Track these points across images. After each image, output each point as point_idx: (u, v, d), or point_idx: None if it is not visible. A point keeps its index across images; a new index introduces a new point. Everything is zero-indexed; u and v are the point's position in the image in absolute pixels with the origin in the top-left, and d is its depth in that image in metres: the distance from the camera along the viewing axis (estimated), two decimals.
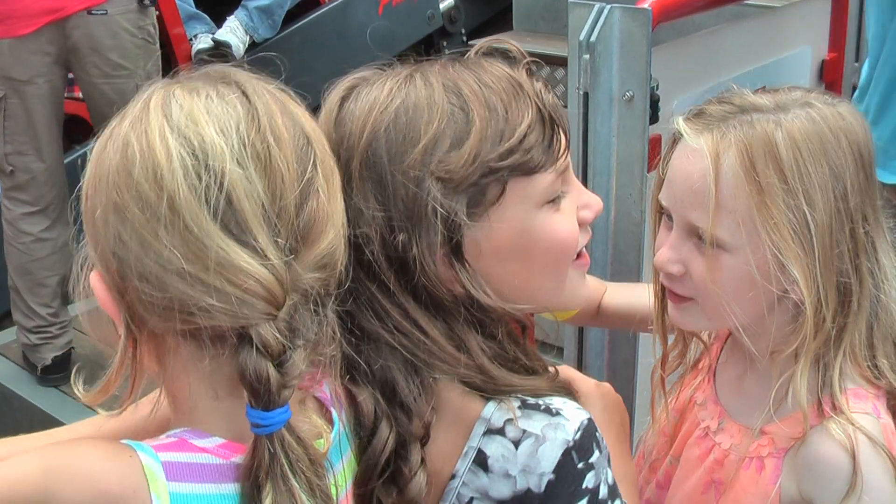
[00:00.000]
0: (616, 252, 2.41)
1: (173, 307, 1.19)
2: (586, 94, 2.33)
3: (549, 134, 1.45)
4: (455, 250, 1.43)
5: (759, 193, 1.57)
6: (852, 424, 1.61)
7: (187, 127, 1.19)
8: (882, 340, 1.69)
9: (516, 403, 1.42)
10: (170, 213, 1.17)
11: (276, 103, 1.27)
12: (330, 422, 1.37)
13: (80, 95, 4.75)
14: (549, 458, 1.38)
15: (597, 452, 1.42)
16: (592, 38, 2.29)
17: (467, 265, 1.43)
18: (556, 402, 1.45)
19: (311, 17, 6.88)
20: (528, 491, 1.38)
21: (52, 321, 4.54)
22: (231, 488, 1.24)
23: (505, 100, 1.44)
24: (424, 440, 1.42)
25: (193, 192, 1.17)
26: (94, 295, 1.27)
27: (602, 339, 2.52)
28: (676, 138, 1.70)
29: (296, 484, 1.23)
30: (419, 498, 1.40)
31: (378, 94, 1.45)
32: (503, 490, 1.39)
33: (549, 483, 1.38)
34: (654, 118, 2.38)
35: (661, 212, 1.75)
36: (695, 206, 1.64)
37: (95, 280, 1.26)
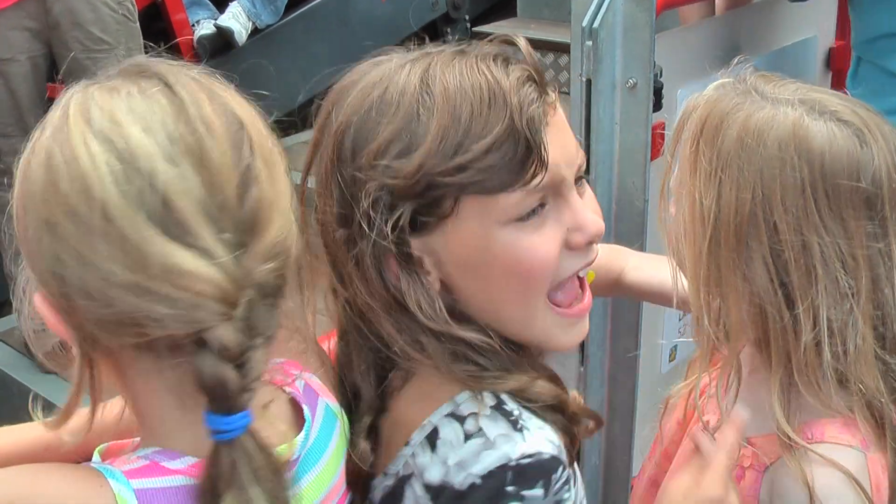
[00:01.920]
0: (619, 241, 2.38)
1: (123, 321, 1.12)
2: (589, 81, 2.31)
3: (521, 152, 1.30)
4: (401, 257, 1.34)
5: (691, 164, 1.54)
6: (822, 458, 1.50)
7: (110, 130, 1.12)
8: (859, 368, 1.52)
9: (490, 402, 1.35)
10: (104, 224, 1.09)
11: (203, 90, 1.19)
12: (301, 420, 1.33)
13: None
14: (484, 463, 1.31)
15: (539, 492, 1.30)
16: (595, 25, 2.26)
17: (411, 273, 1.35)
18: (533, 423, 1.35)
19: (314, 3, 6.84)
20: (452, 486, 1.32)
21: None
22: None
23: (474, 109, 1.30)
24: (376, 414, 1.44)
25: (126, 199, 1.09)
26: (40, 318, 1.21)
27: (604, 328, 2.50)
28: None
29: (258, 494, 1.16)
30: (363, 462, 1.41)
31: (369, 80, 1.37)
32: (434, 474, 1.34)
33: (471, 486, 1.31)
34: (657, 106, 2.36)
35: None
36: None
37: (40, 302, 1.18)
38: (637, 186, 2.36)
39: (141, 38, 4.62)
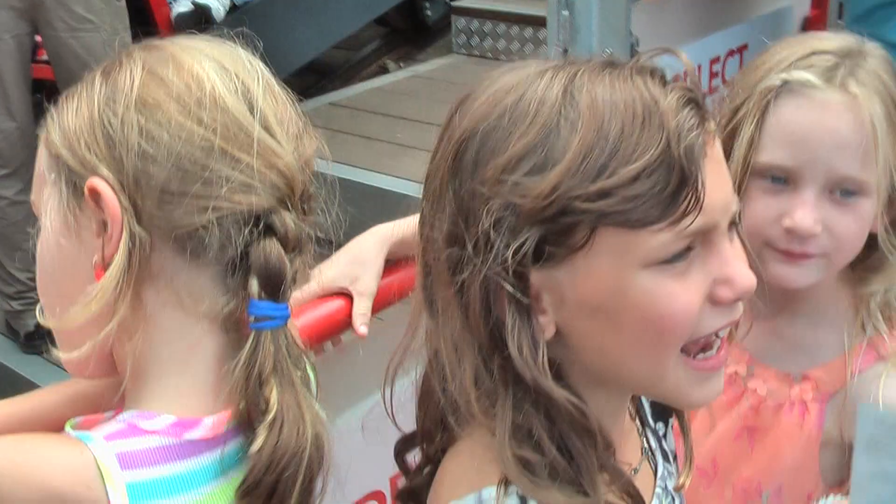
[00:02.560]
0: None
1: (192, 191, 1.21)
2: (565, 51, 2.31)
3: (674, 184, 1.11)
4: (515, 289, 1.16)
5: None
6: None
7: (205, 57, 1.27)
8: None
9: None
10: (210, 102, 1.22)
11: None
12: None
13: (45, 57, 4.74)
14: None
15: None
16: None
17: (521, 309, 1.17)
18: None
19: None
20: None
21: (33, 286, 4.51)
22: (187, 466, 1.22)
23: (625, 127, 1.12)
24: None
25: (229, 91, 1.24)
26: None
27: None
28: (770, 96, 1.67)
29: (298, 377, 1.26)
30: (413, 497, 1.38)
31: (502, 85, 1.20)
32: None
33: None
34: None
35: (761, 175, 1.69)
36: (844, 158, 1.63)
37: (101, 184, 1.21)
38: None
39: (127, 16, 4.63)
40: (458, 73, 7.66)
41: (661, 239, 1.13)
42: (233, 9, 6.30)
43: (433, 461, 1.34)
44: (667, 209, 1.12)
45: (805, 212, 1.65)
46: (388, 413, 1.38)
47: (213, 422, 1.24)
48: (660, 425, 1.48)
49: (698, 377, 1.23)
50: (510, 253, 1.13)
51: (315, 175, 1.32)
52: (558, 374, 1.20)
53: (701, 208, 1.13)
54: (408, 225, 1.88)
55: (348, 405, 1.83)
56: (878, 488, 1.45)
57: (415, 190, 4.89)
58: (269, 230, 1.24)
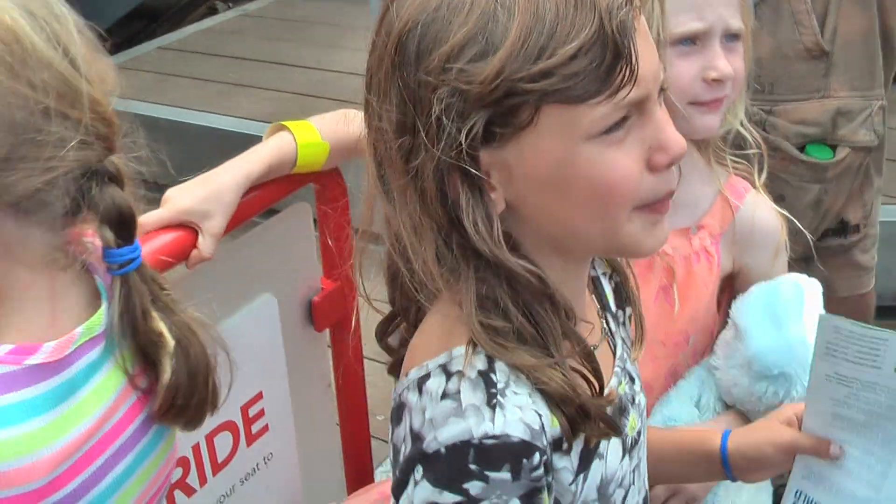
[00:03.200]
0: None
1: (33, 157, 1.20)
2: None
3: (609, 59, 1.17)
4: (465, 172, 1.22)
5: None
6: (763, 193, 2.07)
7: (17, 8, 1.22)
8: None
9: (480, 366, 1.25)
10: (35, 61, 1.20)
11: None
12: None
13: None
14: (449, 431, 1.23)
15: (506, 475, 1.22)
16: None
17: (473, 188, 1.23)
18: (515, 400, 1.24)
19: None
20: (422, 441, 1.25)
21: None
22: (29, 393, 1.22)
23: (560, 9, 1.17)
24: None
25: (50, 44, 1.21)
26: None
27: None
28: None
29: (170, 300, 1.32)
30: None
31: None
32: (415, 420, 1.27)
33: (436, 453, 1.24)
34: None
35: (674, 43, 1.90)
36: (732, 9, 1.93)
37: None
38: None
39: None
40: (288, 10, 7.61)
41: (600, 111, 1.19)
42: None
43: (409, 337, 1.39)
44: (604, 83, 1.18)
45: (723, 61, 1.92)
46: (365, 299, 1.43)
47: (53, 346, 1.24)
48: (620, 312, 1.55)
49: (648, 223, 1.30)
50: (463, 137, 1.19)
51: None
52: (514, 247, 1.27)
53: (635, 80, 1.19)
54: (269, 151, 1.92)
55: None
56: (832, 389, 1.59)
57: (250, 128, 4.91)
58: (107, 177, 1.25)
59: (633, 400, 1.48)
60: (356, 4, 7.56)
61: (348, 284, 2.22)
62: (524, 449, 1.23)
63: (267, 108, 5.76)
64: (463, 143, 1.19)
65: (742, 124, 2.05)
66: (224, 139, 5.42)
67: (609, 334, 1.48)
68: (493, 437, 1.22)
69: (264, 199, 1.93)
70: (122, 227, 1.26)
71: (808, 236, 2.26)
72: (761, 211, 2.08)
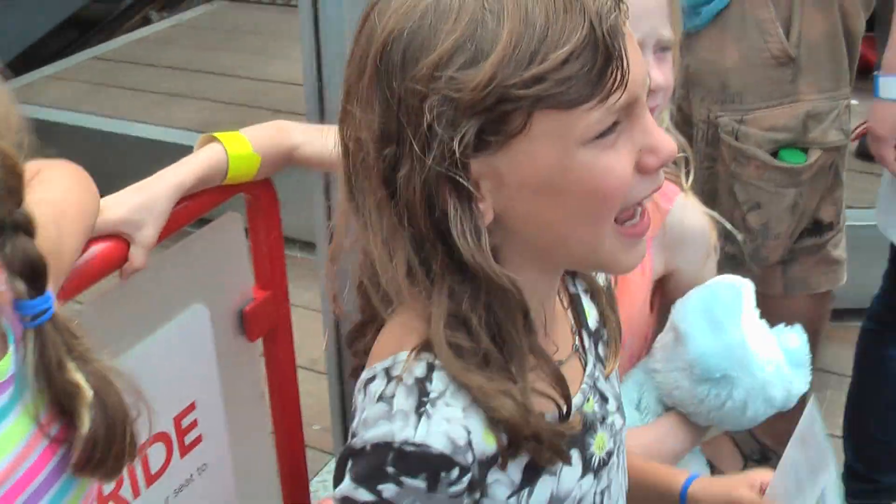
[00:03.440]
0: None
1: None
2: None
3: (600, 63, 1.17)
4: (454, 182, 1.20)
5: None
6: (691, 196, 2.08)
7: None
8: None
9: (418, 372, 1.26)
10: None
11: None
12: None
13: None
14: (376, 431, 1.24)
15: (420, 484, 1.23)
16: None
17: (469, 204, 1.22)
18: (444, 412, 1.24)
19: None
20: (354, 438, 1.28)
21: None
22: None
23: (550, 13, 1.16)
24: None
25: None
26: None
27: None
28: None
29: (76, 367, 1.26)
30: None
31: None
32: (356, 418, 1.30)
33: (362, 450, 1.25)
34: None
35: None
36: (663, 20, 1.90)
37: None
38: None
39: None
40: (222, 20, 7.59)
41: (593, 116, 1.18)
42: None
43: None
44: (595, 87, 1.17)
45: (656, 71, 1.90)
46: (334, 313, 1.46)
47: None
48: (604, 330, 1.54)
49: (627, 244, 1.30)
50: (455, 145, 1.17)
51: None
52: (497, 259, 1.25)
53: (626, 84, 1.19)
54: (200, 162, 1.92)
55: (124, 348, 1.82)
56: (797, 470, 1.69)
57: (184, 138, 4.90)
58: (14, 227, 1.20)
59: (604, 419, 1.47)
60: (288, 13, 7.58)
61: (280, 293, 2.23)
62: (443, 462, 1.23)
63: (201, 117, 5.73)
64: (456, 151, 1.17)
65: (667, 129, 2.04)
66: (158, 149, 5.38)
67: (581, 350, 1.47)
68: (414, 444, 1.22)
69: (196, 209, 1.92)
70: (34, 277, 1.22)
71: (739, 235, 2.41)
72: (691, 214, 2.10)
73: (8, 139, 1.20)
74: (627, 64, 1.19)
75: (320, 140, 2.10)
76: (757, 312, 1.99)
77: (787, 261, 3.04)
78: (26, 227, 1.20)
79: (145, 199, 1.82)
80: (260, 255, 2.17)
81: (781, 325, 2.01)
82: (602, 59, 1.17)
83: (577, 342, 1.47)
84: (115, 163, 5.61)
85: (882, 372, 3.15)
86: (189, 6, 8.14)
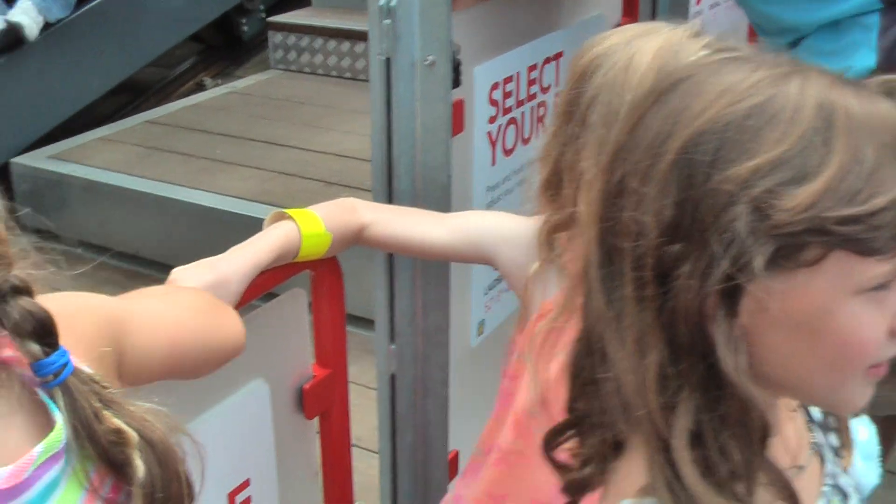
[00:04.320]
0: None
1: None
2: (388, 60, 2.32)
3: None
4: (730, 294, 1.12)
5: None
6: None
7: None
8: None
9: None
10: None
11: None
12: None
13: None
14: None
15: None
16: (392, 3, 2.28)
17: (731, 318, 1.13)
18: None
19: None
20: None
21: None
22: None
23: (881, 156, 1.09)
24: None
25: None
26: None
27: (412, 305, 2.52)
28: None
29: (113, 394, 1.24)
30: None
31: (739, 80, 1.15)
32: None
33: None
34: (456, 82, 2.39)
35: None
36: None
37: None
38: (439, 161, 2.39)
39: None
40: (276, 88, 7.64)
41: (882, 269, 1.12)
42: (46, 27, 6.17)
43: (597, 457, 1.31)
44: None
45: None
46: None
47: (9, 471, 1.16)
48: (831, 419, 1.46)
49: (867, 383, 1.21)
50: (755, 260, 1.09)
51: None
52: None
53: None
54: (276, 241, 1.92)
55: (184, 421, 1.81)
56: None
57: (233, 205, 4.92)
58: (14, 291, 1.17)
59: None
60: (341, 85, 7.63)
61: (339, 372, 2.21)
62: None
63: (251, 185, 5.75)
64: (755, 267, 1.09)
65: None
66: (207, 215, 5.42)
67: (818, 447, 1.41)
68: None
69: (262, 285, 1.92)
70: (45, 334, 1.19)
71: None
72: None
73: None
74: None
75: (391, 220, 2.11)
76: None
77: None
78: (25, 289, 1.18)
79: (221, 277, 1.82)
80: (322, 332, 2.16)
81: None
82: None
83: (813, 440, 1.40)
84: (163, 227, 5.67)
85: None
86: (244, 74, 8.21)
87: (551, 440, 1.38)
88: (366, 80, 7.75)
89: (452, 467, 2.81)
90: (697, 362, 1.14)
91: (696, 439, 1.14)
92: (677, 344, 1.14)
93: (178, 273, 1.78)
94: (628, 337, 1.16)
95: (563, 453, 1.38)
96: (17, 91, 6.20)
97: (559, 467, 1.37)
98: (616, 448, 1.28)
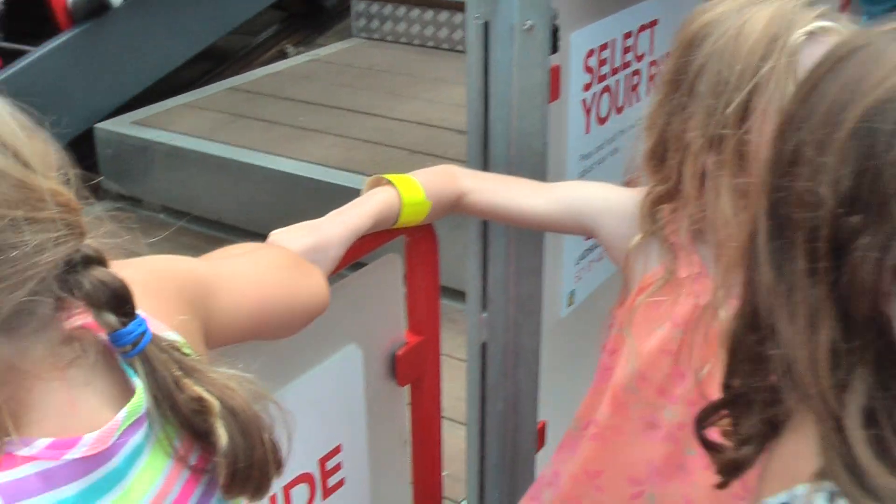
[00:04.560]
0: None
1: (4, 276, 1.09)
2: (486, 24, 2.29)
3: None
4: None
5: None
6: None
7: None
8: None
9: None
10: None
11: None
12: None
13: None
14: None
15: None
16: None
17: None
18: None
19: None
20: None
21: None
22: (70, 490, 1.14)
23: None
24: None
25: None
26: None
27: (505, 273, 2.49)
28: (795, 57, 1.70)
29: (195, 361, 1.24)
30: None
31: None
32: None
33: None
34: (554, 48, 2.35)
35: None
36: None
37: None
38: (535, 128, 2.35)
39: None
40: (358, 57, 7.63)
41: None
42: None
43: (757, 437, 1.26)
44: None
45: None
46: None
47: (95, 437, 1.16)
48: None
49: None
50: None
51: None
52: None
53: None
54: (376, 207, 1.90)
55: (278, 386, 1.80)
56: None
57: (316, 172, 4.92)
58: (87, 261, 1.16)
59: None
60: (424, 54, 7.61)
61: (432, 339, 2.19)
62: None
63: (334, 153, 5.74)
64: None
65: None
66: (289, 182, 5.43)
67: None
68: None
69: (360, 250, 1.90)
70: (121, 304, 1.18)
71: None
72: None
73: (54, 177, 1.16)
74: None
75: (491, 188, 2.08)
76: None
77: None
78: (98, 259, 1.17)
79: (320, 241, 1.80)
80: (415, 299, 2.14)
81: None
82: None
83: None
84: (245, 193, 5.68)
85: None
86: (326, 42, 8.21)
87: (705, 418, 1.33)
88: (449, 49, 7.83)
89: (540, 438, 2.78)
90: (872, 340, 1.08)
91: (869, 419, 1.08)
92: (851, 320, 1.08)
93: (277, 235, 1.77)
94: (799, 312, 1.11)
95: (712, 433, 1.33)
96: (101, 57, 6.25)
97: (711, 447, 1.32)
98: (774, 428, 1.23)
